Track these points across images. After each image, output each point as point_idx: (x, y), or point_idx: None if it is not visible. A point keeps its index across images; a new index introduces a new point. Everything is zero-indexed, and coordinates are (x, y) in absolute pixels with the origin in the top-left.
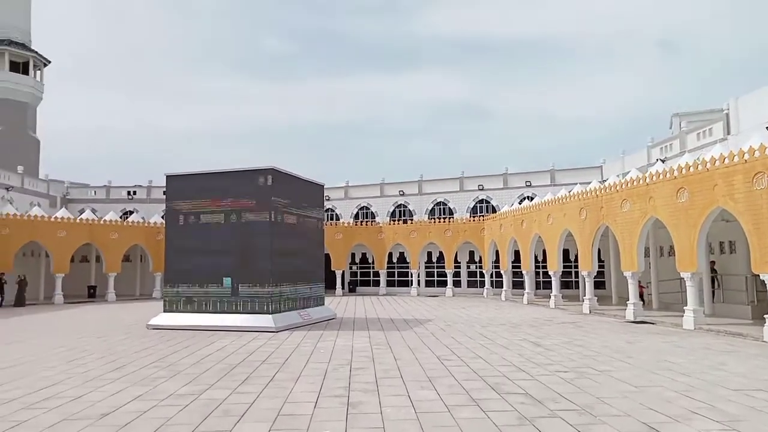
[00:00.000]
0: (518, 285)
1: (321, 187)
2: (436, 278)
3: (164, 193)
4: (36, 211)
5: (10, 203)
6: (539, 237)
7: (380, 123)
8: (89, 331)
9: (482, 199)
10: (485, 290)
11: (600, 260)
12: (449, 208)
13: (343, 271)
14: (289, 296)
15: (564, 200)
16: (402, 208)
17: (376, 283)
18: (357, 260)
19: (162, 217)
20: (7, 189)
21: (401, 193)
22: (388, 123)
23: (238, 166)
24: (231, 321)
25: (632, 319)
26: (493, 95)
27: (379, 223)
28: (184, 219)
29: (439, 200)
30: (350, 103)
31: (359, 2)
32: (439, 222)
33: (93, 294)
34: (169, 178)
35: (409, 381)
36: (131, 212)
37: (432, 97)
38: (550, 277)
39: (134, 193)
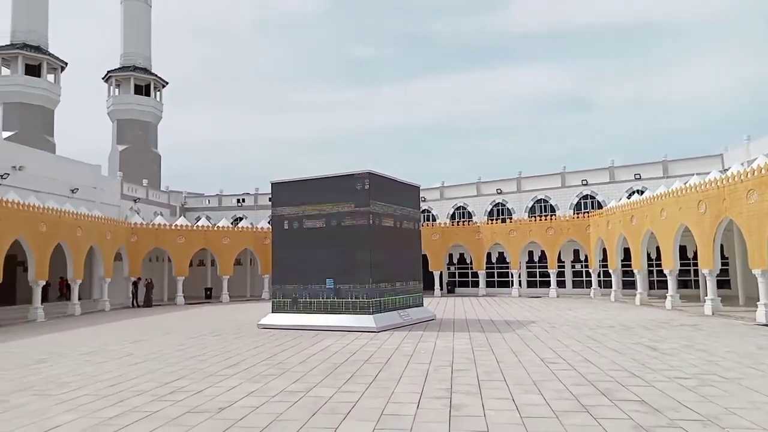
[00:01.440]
0: (629, 285)
1: (417, 188)
2: (538, 278)
3: (270, 199)
4: (159, 219)
5: (138, 213)
6: (651, 233)
7: (474, 121)
8: (206, 330)
9: (586, 195)
10: (592, 291)
11: (723, 257)
12: (551, 205)
13: (441, 272)
14: (389, 297)
15: (679, 193)
16: (500, 207)
17: (475, 284)
18: (455, 261)
19: (268, 223)
20: (135, 201)
21: (499, 191)
22: (483, 121)
23: (338, 171)
24: (334, 321)
25: (764, 321)
26: (591, 86)
27: (476, 222)
28: (289, 224)
29: (539, 197)
30: (443, 103)
31: (446, 2)
32: (541, 220)
33: (209, 295)
34: (274, 185)
35: (513, 384)
36: (241, 218)
37: (527, 93)
38: (665, 276)
39: (243, 200)
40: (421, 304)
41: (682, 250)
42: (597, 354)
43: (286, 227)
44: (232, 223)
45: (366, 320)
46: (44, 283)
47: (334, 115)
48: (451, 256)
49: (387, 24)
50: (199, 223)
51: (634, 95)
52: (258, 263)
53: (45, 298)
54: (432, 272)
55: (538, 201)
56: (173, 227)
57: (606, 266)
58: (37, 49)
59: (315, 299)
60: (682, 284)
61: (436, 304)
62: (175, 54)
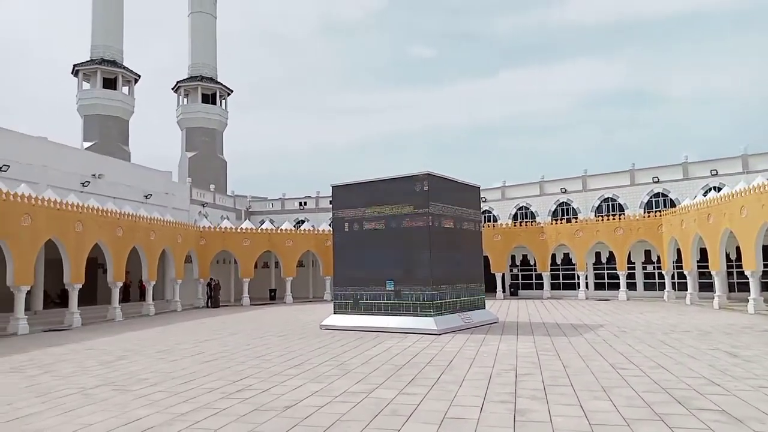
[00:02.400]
0: (706, 287)
1: (477, 188)
2: (606, 280)
3: (330, 202)
4: (225, 223)
5: (206, 217)
6: (730, 232)
7: (535, 119)
8: (272, 330)
9: (658, 193)
10: (666, 293)
11: None
12: (618, 204)
13: (503, 274)
14: (450, 299)
15: (762, 189)
16: (564, 207)
17: (539, 286)
18: (517, 262)
19: (329, 225)
20: (203, 205)
21: (563, 190)
22: (544, 118)
23: (397, 173)
24: (395, 323)
25: None
26: (656, 79)
27: (539, 223)
28: (349, 226)
29: (606, 196)
30: (501, 101)
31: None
32: (608, 219)
33: (273, 296)
34: (334, 188)
35: (581, 390)
36: (303, 221)
37: (589, 88)
38: (747, 278)
39: (305, 203)
40: (483, 307)
41: (766, 250)
42: (671, 360)
43: (346, 229)
44: (294, 226)
45: (427, 322)
46: (122, 284)
47: (392, 116)
48: (513, 257)
49: (443, 23)
50: (263, 226)
51: (706, 87)
52: (320, 265)
53: (124, 299)
54: (494, 274)
55: (605, 200)
56: (239, 230)
57: (680, 267)
58: (113, 63)
59: (376, 301)
60: (766, 287)
61: (499, 307)
62: (239, 62)
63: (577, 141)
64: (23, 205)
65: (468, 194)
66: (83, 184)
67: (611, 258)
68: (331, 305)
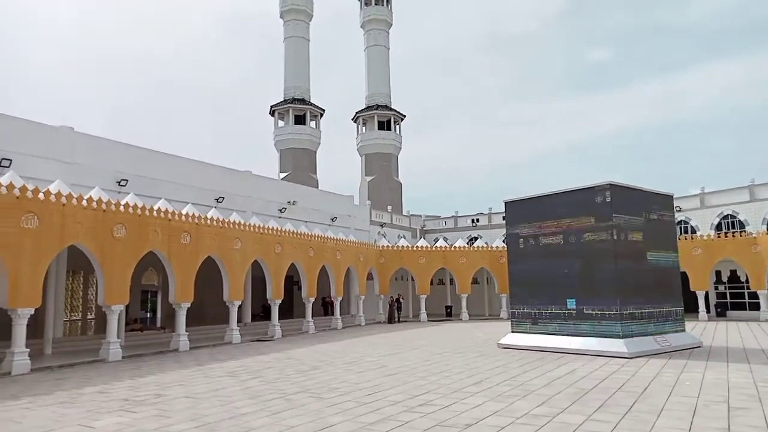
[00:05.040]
0: None
1: (669, 197)
2: None
3: (503, 218)
4: (402, 242)
5: (384, 237)
6: None
7: (739, 114)
8: (450, 347)
9: None
10: None
11: None
12: None
13: (706, 293)
14: (641, 319)
15: None
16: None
17: (754, 306)
18: (724, 279)
19: (503, 241)
20: (381, 225)
21: None
22: (751, 113)
23: (574, 185)
24: (579, 344)
25: None
26: None
27: (751, 233)
28: (524, 242)
29: None
30: (696, 97)
31: None
32: None
33: (449, 313)
34: (507, 204)
35: None
36: (476, 238)
37: None
38: None
39: (477, 220)
40: (683, 329)
41: None
42: None
43: (521, 246)
44: (467, 243)
45: (615, 344)
46: (314, 299)
47: (568, 125)
48: (718, 273)
49: (623, 21)
50: (438, 244)
51: None
52: (495, 282)
53: (317, 313)
54: (694, 292)
55: None
56: (415, 248)
57: None
58: (302, 101)
59: (556, 320)
60: None
61: (702, 329)
62: (410, 85)
63: None
64: (235, 230)
65: (659, 204)
66: (280, 210)
67: None
68: (508, 323)
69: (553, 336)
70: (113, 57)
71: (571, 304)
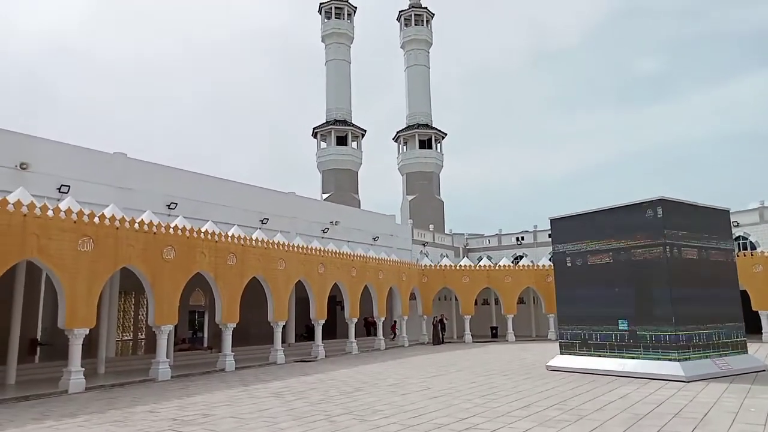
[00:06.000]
0: None
1: (726, 212)
2: None
3: (549, 236)
4: (445, 261)
5: (426, 256)
6: None
7: None
8: (495, 368)
9: None
10: None
11: None
12: None
13: None
14: (699, 341)
15: None
16: None
17: None
18: None
19: (549, 260)
20: (424, 245)
21: None
22: None
23: (623, 200)
24: (631, 367)
25: None
26: None
27: None
28: (572, 260)
29: None
30: (747, 107)
31: None
32: None
33: (495, 334)
34: (553, 221)
35: None
36: (521, 257)
37: None
38: None
39: (522, 238)
40: (745, 351)
41: None
42: None
43: (569, 264)
44: (512, 262)
45: (671, 367)
46: (356, 320)
47: (615, 139)
48: None
49: (669, 29)
50: (481, 263)
51: None
52: (541, 302)
53: (360, 333)
54: (757, 312)
55: None
56: (458, 268)
57: None
58: (344, 122)
59: (607, 342)
60: None
61: (767, 352)
62: (452, 104)
63: None
64: (279, 251)
65: (714, 219)
66: (323, 230)
67: None
68: (556, 345)
69: (605, 358)
70: (165, 90)
71: (622, 324)
